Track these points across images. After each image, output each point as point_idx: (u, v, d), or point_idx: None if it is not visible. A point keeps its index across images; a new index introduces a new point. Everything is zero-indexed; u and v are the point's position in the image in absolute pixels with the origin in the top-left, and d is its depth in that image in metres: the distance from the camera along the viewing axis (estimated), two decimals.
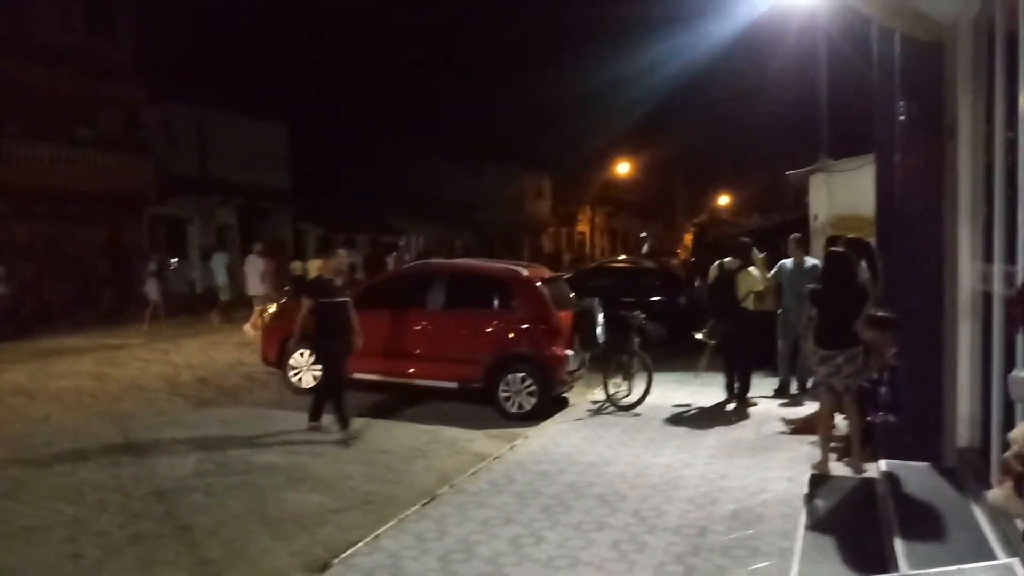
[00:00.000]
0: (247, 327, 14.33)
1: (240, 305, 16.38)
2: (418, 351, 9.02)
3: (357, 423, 7.68)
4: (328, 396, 7.43)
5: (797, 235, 9.28)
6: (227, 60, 24.69)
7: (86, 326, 16.48)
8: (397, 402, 8.96)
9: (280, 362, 9.58)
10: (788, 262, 8.99)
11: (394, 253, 17.91)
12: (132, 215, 21.19)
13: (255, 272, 15.19)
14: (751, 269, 8.68)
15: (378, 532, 4.89)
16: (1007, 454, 2.18)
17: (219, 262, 17.16)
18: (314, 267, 15.72)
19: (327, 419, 7.47)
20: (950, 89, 5.30)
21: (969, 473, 4.82)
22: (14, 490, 5.84)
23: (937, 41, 5.35)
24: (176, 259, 20.53)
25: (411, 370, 9.06)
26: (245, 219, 25.16)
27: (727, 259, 8.74)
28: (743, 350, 8.60)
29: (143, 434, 7.52)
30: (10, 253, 16.68)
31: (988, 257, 4.80)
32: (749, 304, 8.55)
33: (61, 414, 8.40)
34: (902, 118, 5.62)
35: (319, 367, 8.10)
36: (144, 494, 5.80)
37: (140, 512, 5.43)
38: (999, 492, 2.29)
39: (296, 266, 17.12)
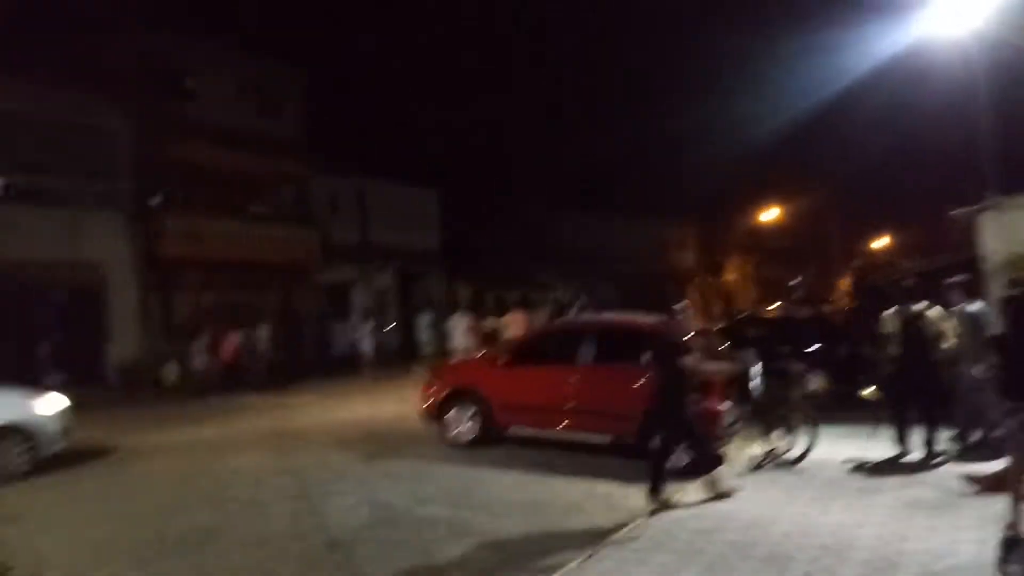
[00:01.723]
0: None
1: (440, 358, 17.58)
2: (571, 404, 9.12)
3: (514, 475, 7.83)
4: (661, 462, 7.05)
5: (957, 278, 8.67)
6: (380, 132, 26.46)
7: (272, 384, 17.87)
8: (552, 456, 9.07)
9: (439, 416, 9.95)
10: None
11: (575, 306, 18.96)
12: (300, 282, 22.81)
13: (460, 328, 17.04)
14: (933, 311, 8.22)
15: None
16: None
17: (424, 320, 20.29)
18: (507, 323, 16.82)
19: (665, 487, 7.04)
20: None
21: None
22: (209, 539, 6.39)
23: None
24: (394, 323, 23.05)
25: (565, 423, 9.15)
26: (401, 281, 26.43)
27: (906, 305, 8.30)
28: (932, 401, 8.08)
29: (316, 487, 8.02)
30: (201, 321, 18.50)
31: None
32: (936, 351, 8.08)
33: (245, 467, 9.10)
34: None
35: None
36: (320, 543, 6.18)
37: (317, 561, 5.79)
38: None
39: (491, 323, 18.52)
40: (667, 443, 7.15)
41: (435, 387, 10.17)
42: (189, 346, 17.83)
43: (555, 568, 5.31)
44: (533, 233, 33.79)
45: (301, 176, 22.99)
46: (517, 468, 8.55)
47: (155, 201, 19.23)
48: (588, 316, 12.52)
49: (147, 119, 18.34)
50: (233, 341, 18.04)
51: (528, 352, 9.90)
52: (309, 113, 24.01)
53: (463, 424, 9.71)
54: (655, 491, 6.86)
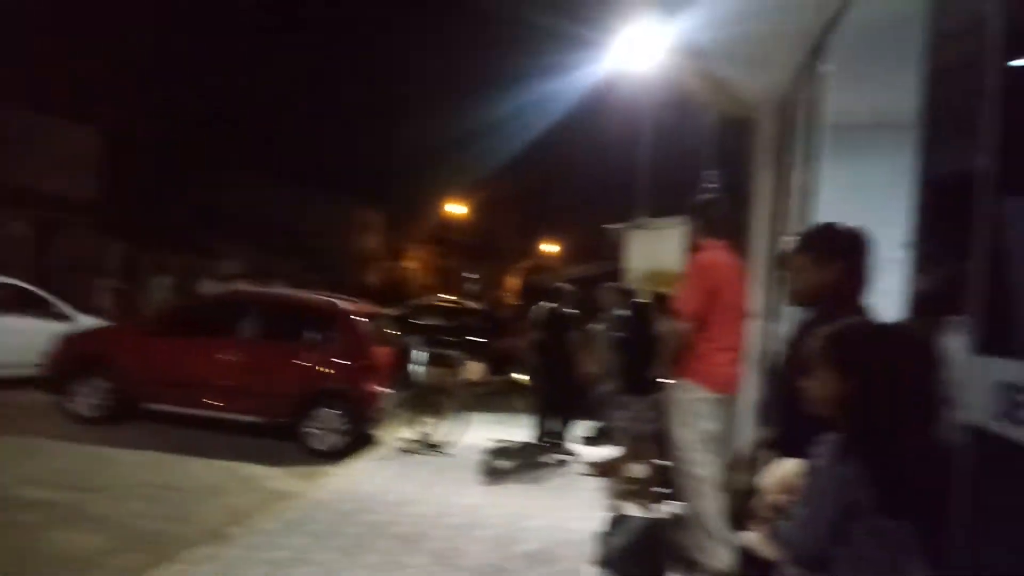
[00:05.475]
0: None
1: None
2: (222, 382, 8.50)
3: (147, 455, 7.09)
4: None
5: (611, 284, 9.55)
6: (26, 54, 22.65)
7: None
8: (193, 436, 8.36)
9: (62, 386, 8.69)
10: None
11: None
12: None
13: None
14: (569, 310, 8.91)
15: (153, 575, 4.49)
16: (760, 502, 2.32)
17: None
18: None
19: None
20: (752, 161, 5.88)
21: None
22: None
23: (746, 118, 5.93)
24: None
25: (212, 402, 8.51)
26: (41, 231, 22.83)
27: (554, 305, 8.85)
28: (565, 392, 8.57)
29: None
30: None
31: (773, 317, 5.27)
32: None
33: None
34: (711, 185, 6.13)
35: None
36: None
37: None
38: (753, 535, 2.43)
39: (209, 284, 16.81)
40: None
41: (62, 353, 8.87)
42: None
43: (176, 555, 4.85)
44: (207, 197, 31.35)
45: None
46: (151, 448, 7.73)
47: None
48: (250, 288, 11.88)
49: None
50: None
51: (177, 323, 9.08)
52: None
53: (91, 397, 8.57)
54: None
